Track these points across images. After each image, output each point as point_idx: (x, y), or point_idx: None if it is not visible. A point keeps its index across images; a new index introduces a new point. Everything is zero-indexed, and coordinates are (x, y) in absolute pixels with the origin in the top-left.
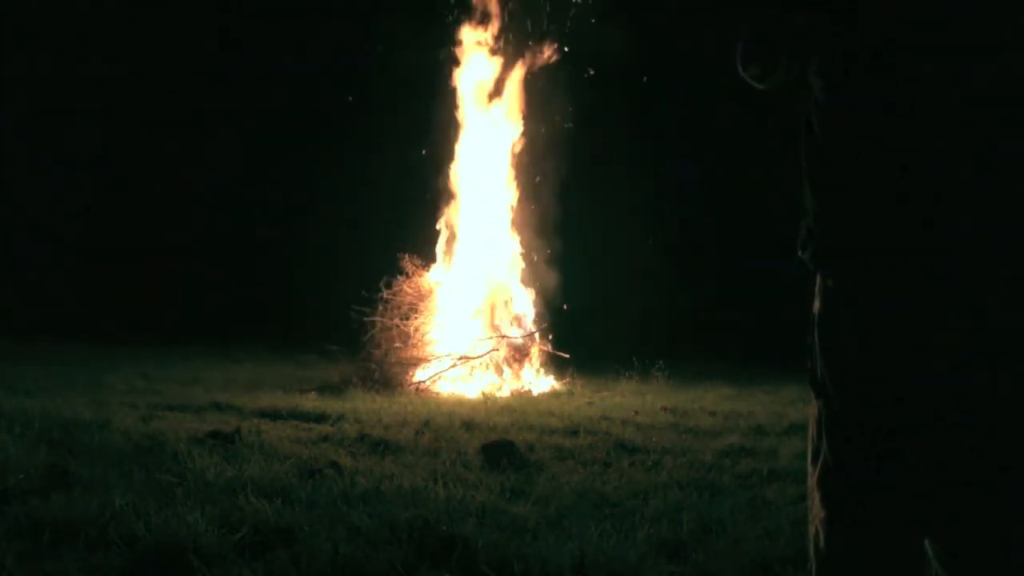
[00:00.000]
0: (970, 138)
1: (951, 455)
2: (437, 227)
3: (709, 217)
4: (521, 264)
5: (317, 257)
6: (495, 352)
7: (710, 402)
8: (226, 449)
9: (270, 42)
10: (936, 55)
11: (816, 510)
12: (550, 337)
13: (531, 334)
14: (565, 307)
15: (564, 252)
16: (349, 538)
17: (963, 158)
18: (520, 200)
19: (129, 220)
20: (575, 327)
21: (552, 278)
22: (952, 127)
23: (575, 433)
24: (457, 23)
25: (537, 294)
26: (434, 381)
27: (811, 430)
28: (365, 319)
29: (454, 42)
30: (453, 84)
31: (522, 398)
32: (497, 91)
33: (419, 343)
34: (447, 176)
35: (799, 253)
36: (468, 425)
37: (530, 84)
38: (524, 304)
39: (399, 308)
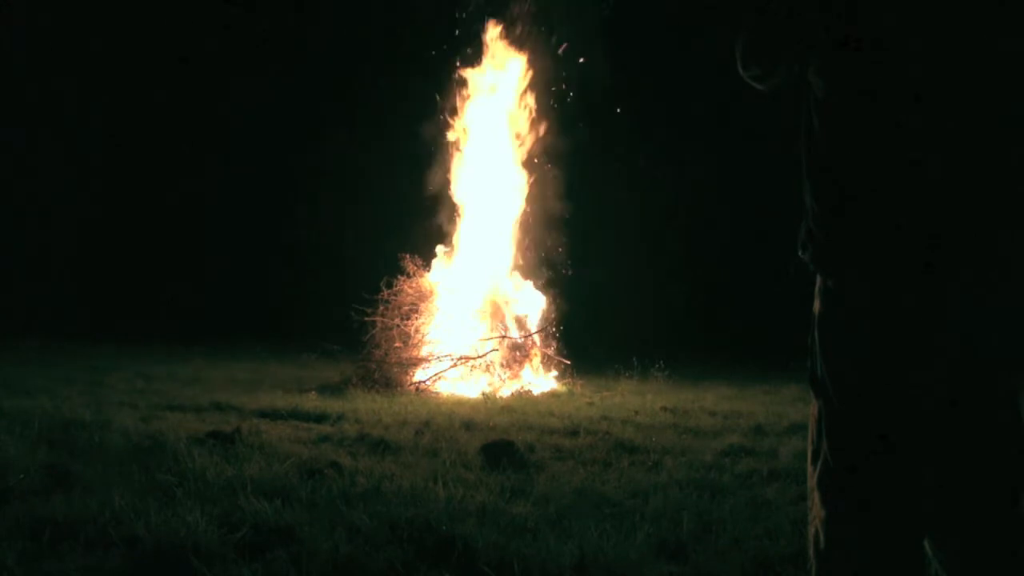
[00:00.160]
0: (970, 138)
1: (950, 455)
2: (438, 227)
3: (710, 217)
4: (522, 264)
5: (317, 257)
6: (495, 352)
7: (710, 402)
8: (226, 449)
9: (271, 42)
10: (936, 56)
11: (816, 510)
12: (554, 334)
13: (531, 335)
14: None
15: (565, 252)
16: (349, 538)
17: (963, 158)
18: (521, 200)
19: (129, 220)
20: (575, 327)
21: (552, 279)
22: (952, 127)
23: (575, 433)
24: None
25: (537, 295)
26: (434, 381)
27: (811, 430)
28: (366, 319)
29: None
30: (454, 85)
31: (522, 398)
32: (499, 91)
33: (419, 343)
34: (448, 177)
35: (799, 253)
36: (468, 425)
37: (532, 85)
38: (524, 304)
39: (400, 308)
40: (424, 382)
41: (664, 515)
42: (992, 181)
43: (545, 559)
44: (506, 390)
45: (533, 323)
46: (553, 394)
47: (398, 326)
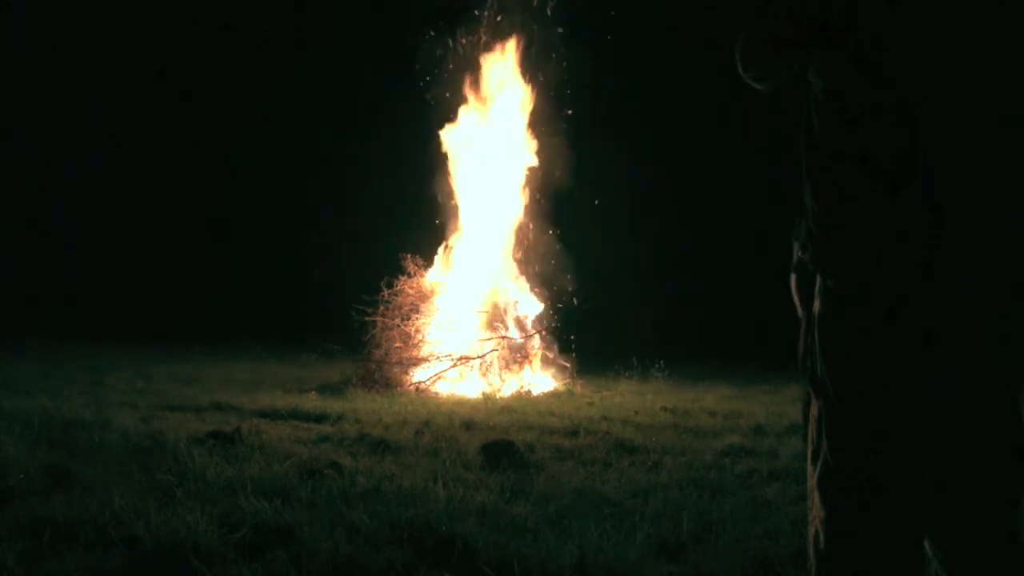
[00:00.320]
0: (970, 138)
1: (950, 455)
2: (438, 227)
3: (710, 218)
4: (522, 265)
5: (318, 257)
6: (495, 352)
7: (710, 402)
8: (226, 449)
9: (271, 42)
10: (936, 55)
11: (816, 510)
12: (554, 332)
13: (531, 335)
14: (576, 301)
15: (565, 253)
16: (349, 538)
17: (964, 158)
18: (521, 201)
19: (129, 220)
20: (575, 327)
21: (553, 279)
22: (952, 127)
23: (575, 433)
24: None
25: (537, 295)
26: (434, 381)
27: (811, 430)
28: (366, 319)
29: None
30: (455, 86)
31: (522, 398)
32: (499, 92)
33: (420, 343)
34: (448, 178)
35: (799, 254)
36: (468, 425)
37: (532, 86)
38: (525, 305)
39: (400, 308)
40: (424, 382)
41: (664, 515)
42: (992, 181)
43: (545, 559)
44: (506, 390)
45: (532, 323)
46: (553, 394)
47: (398, 326)
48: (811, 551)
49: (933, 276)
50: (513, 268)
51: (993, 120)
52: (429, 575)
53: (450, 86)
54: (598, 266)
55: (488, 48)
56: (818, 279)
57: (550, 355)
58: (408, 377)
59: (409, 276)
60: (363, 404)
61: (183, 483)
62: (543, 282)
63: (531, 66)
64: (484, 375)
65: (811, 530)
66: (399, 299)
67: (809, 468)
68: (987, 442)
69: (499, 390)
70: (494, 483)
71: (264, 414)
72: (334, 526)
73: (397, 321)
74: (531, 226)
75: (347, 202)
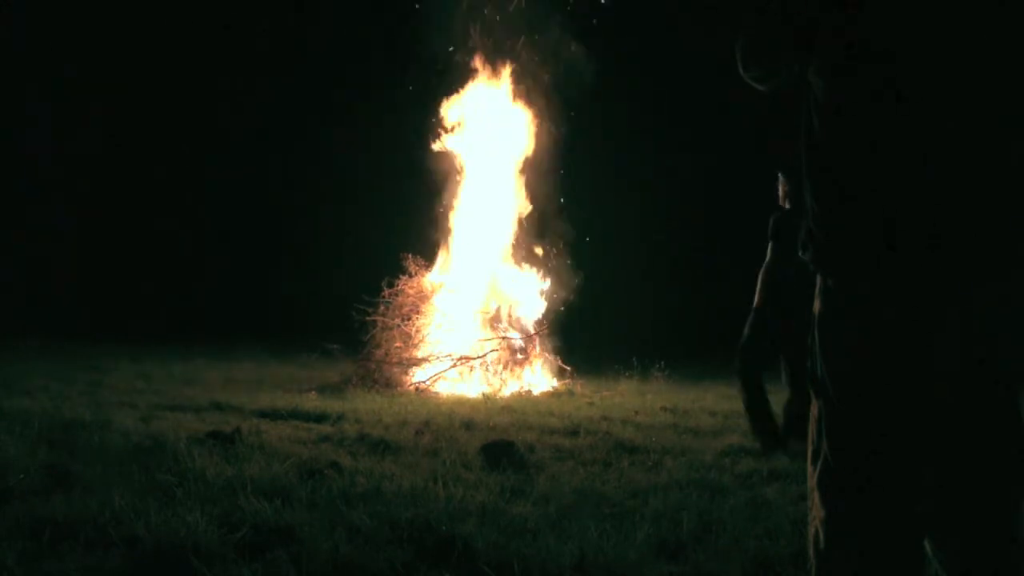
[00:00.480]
0: (970, 138)
1: (950, 455)
2: (438, 228)
3: (710, 217)
4: (522, 265)
5: (318, 257)
6: (495, 353)
7: (710, 402)
8: (226, 449)
9: (273, 42)
10: (936, 55)
11: (816, 510)
12: (552, 336)
13: (531, 335)
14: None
15: (566, 253)
16: (349, 538)
17: (963, 158)
18: (521, 201)
19: (129, 220)
20: (576, 327)
21: (553, 279)
22: (952, 127)
23: (575, 433)
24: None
25: (537, 295)
26: (434, 381)
27: (811, 430)
28: (366, 319)
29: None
30: (454, 87)
31: (522, 398)
32: (499, 92)
33: (420, 343)
34: (448, 178)
35: (800, 253)
36: (468, 425)
37: (531, 86)
38: (524, 305)
39: (400, 308)
40: (424, 382)
41: (664, 515)
42: (992, 181)
43: (545, 559)
44: (506, 390)
45: (532, 324)
46: (553, 394)
47: (398, 326)
48: (811, 551)
49: (933, 276)
50: (513, 268)
51: (994, 118)
52: (429, 575)
53: (450, 83)
54: (598, 266)
55: (488, 46)
56: (818, 279)
57: (549, 356)
58: (408, 377)
59: (410, 276)
60: (363, 404)
61: (183, 483)
62: (544, 282)
63: (533, 64)
64: (484, 375)
65: (811, 530)
66: (399, 299)
67: (809, 468)
68: (987, 442)
69: (499, 390)
70: (494, 483)
71: (264, 414)
72: (334, 526)
73: (397, 321)
74: (531, 226)
75: (347, 202)
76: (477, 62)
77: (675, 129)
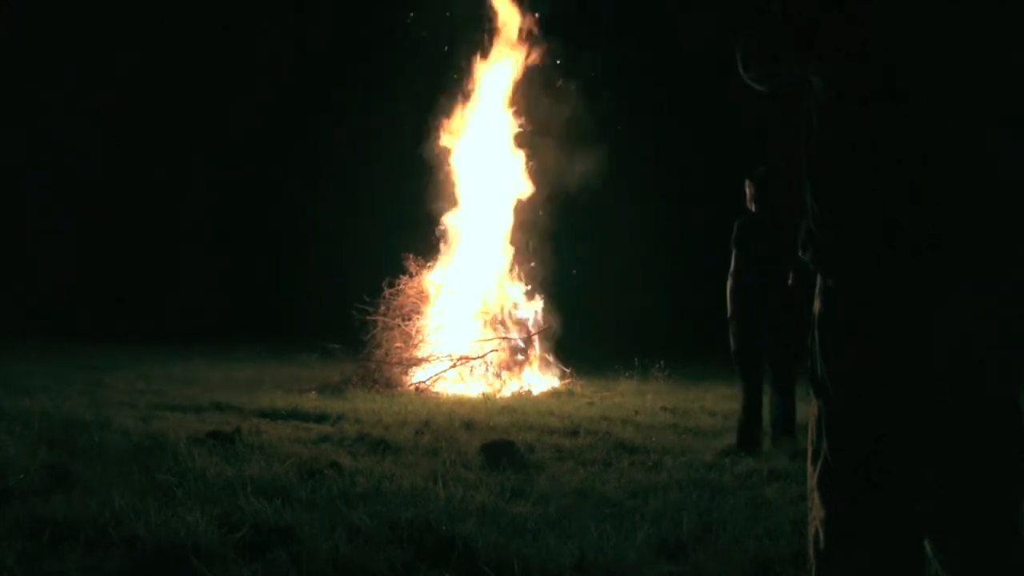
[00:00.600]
0: (971, 137)
1: (950, 455)
2: (438, 228)
3: (710, 217)
4: (522, 265)
5: (318, 257)
6: (496, 353)
7: (710, 402)
8: (226, 449)
9: (273, 42)
10: (935, 56)
11: (816, 510)
12: (552, 336)
13: (531, 335)
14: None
15: (565, 253)
16: (349, 538)
17: (964, 158)
18: (521, 201)
19: (129, 220)
20: (576, 327)
21: (552, 279)
22: (952, 127)
23: (575, 433)
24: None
25: (538, 295)
26: (434, 381)
27: (811, 430)
28: (367, 319)
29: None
30: (453, 86)
31: (522, 398)
32: (498, 94)
33: (420, 343)
34: (448, 178)
35: (800, 254)
36: (468, 425)
37: (529, 87)
38: (524, 306)
39: (401, 308)
40: (424, 382)
41: (664, 515)
42: (992, 181)
43: (545, 559)
44: (506, 390)
45: (532, 324)
46: (553, 394)
47: (399, 326)
48: (811, 551)
49: (933, 276)
50: (513, 268)
51: (993, 119)
52: (429, 575)
53: (449, 84)
54: (598, 266)
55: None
56: (818, 279)
57: (549, 357)
58: (408, 377)
59: (411, 276)
60: (363, 404)
61: (183, 483)
62: (543, 282)
63: (530, 66)
64: (485, 375)
65: (811, 530)
66: (400, 299)
67: (809, 468)
68: (987, 442)
69: (499, 390)
70: (494, 483)
71: (264, 414)
72: (334, 526)
73: (398, 321)
74: (531, 225)
75: (347, 202)
76: (476, 60)
77: (675, 128)
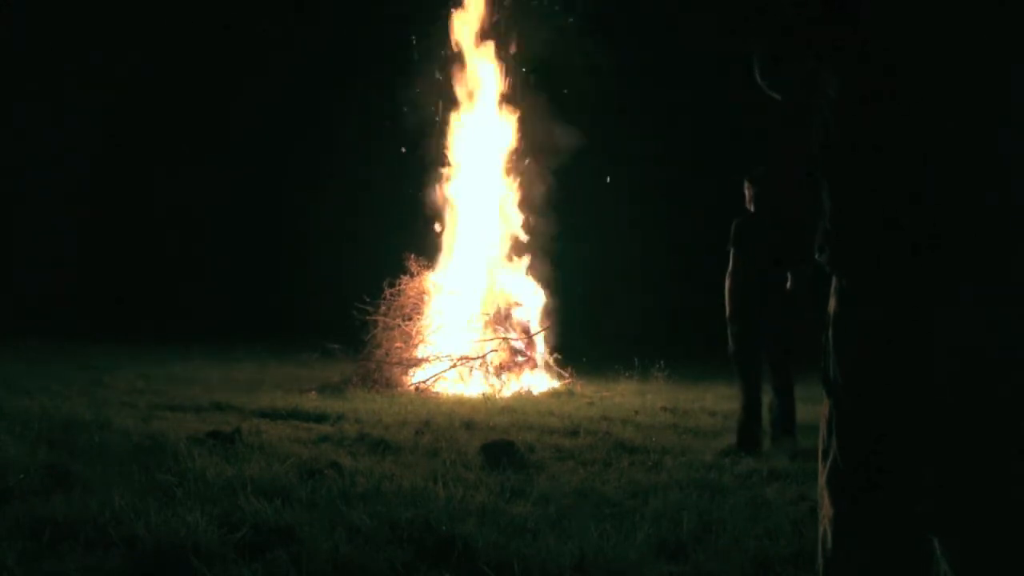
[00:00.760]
0: (984, 141)
1: (960, 455)
2: (438, 228)
3: (710, 217)
4: (522, 265)
5: (318, 257)
6: (496, 353)
7: (710, 402)
8: (226, 449)
9: (273, 42)
10: (936, 55)
11: (825, 508)
12: (552, 337)
13: (532, 336)
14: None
15: (565, 252)
16: (349, 538)
17: (977, 161)
18: (521, 201)
19: (129, 220)
20: (576, 328)
21: (553, 279)
22: (966, 129)
23: (575, 433)
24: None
25: (538, 295)
26: (434, 381)
27: (822, 429)
28: (367, 319)
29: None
30: (450, 85)
31: (522, 398)
32: (495, 91)
33: (420, 343)
34: (447, 178)
35: (816, 255)
36: (468, 425)
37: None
38: (524, 307)
39: (402, 308)
40: (424, 382)
41: (664, 515)
42: (1006, 184)
43: (545, 559)
44: (506, 390)
45: (533, 325)
46: (553, 394)
47: (399, 326)
48: (819, 549)
49: (946, 277)
50: (514, 268)
51: (993, 119)
52: (429, 575)
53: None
54: (599, 266)
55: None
56: (833, 280)
57: (549, 358)
58: (408, 377)
59: (412, 276)
60: (363, 404)
61: (183, 483)
62: (544, 282)
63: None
64: (485, 375)
65: (820, 529)
66: (400, 299)
67: (819, 467)
68: (990, 442)
69: (499, 390)
70: (494, 483)
71: (264, 414)
72: (334, 526)
73: (398, 321)
74: (533, 226)
75: (347, 202)
76: (475, 61)
77: (675, 128)
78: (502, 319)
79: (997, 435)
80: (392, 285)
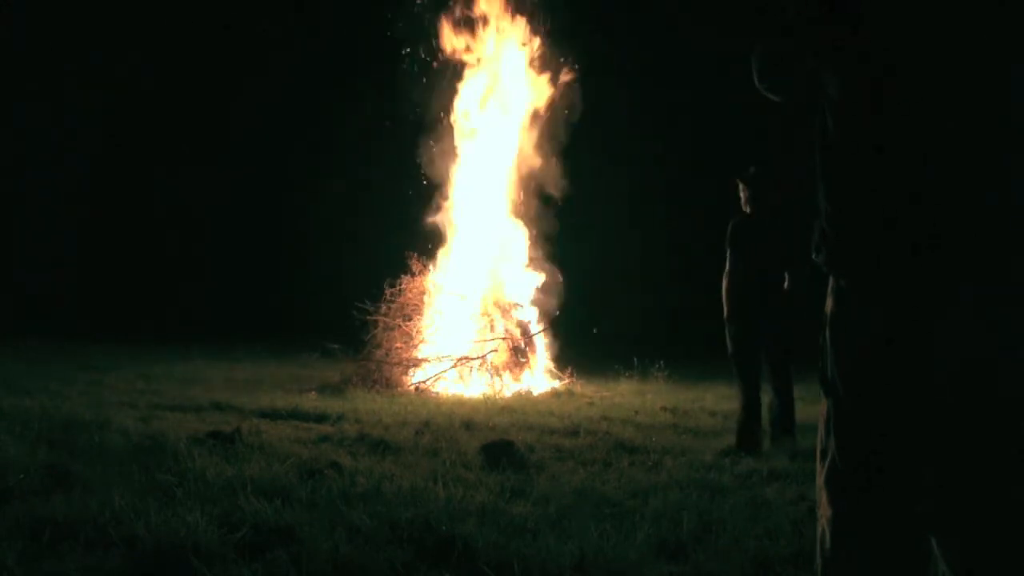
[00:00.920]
0: (984, 141)
1: (957, 455)
2: (439, 229)
3: (710, 217)
4: (523, 265)
5: (318, 257)
6: (496, 353)
7: (710, 402)
8: (226, 449)
9: (273, 41)
10: (936, 55)
11: (823, 508)
12: (552, 337)
13: (532, 335)
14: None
15: (565, 253)
16: (349, 538)
17: (977, 161)
18: (522, 201)
19: (130, 220)
20: (576, 328)
21: (553, 279)
22: (966, 129)
23: (575, 433)
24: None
25: (538, 295)
26: (434, 381)
27: (820, 429)
28: (368, 319)
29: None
30: (452, 86)
31: (522, 398)
32: (496, 92)
33: (421, 343)
34: (448, 178)
35: (813, 256)
36: (468, 425)
37: (529, 86)
38: (525, 306)
39: (402, 308)
40: (424, 382)
41: (664, 515)
42: (1004, 185)
43: (545, 559)
44: (506, 390)
45: (533, 325)
46: (553, 394)
47: (399, 326)
48: (818, 549)
49: (944, 277)
50: (514, 268)
51: (993, 119)
52: (429, 575)
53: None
54: (599, 266)
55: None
56: (831, 280)
57: (549, 357)
58: (408, 377)
59: (413, 276)
60: (363, 404)
61: (183, 483)
62: (544, 282)
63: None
64: (484, 376)
65: (818, 529)
66: (401, 299)
67: (818, 467)
68: (990, 442)
69: (500, 391)
70: (494, 483)
71: (264, 414)
72: (334, 526)
73: (398, 321)
74: (533, 226)
75: (348, 201)
76: (475, 59)
77: (675, 127)
78: (502, 319)
79: (996, 435)
80: (392, 285)
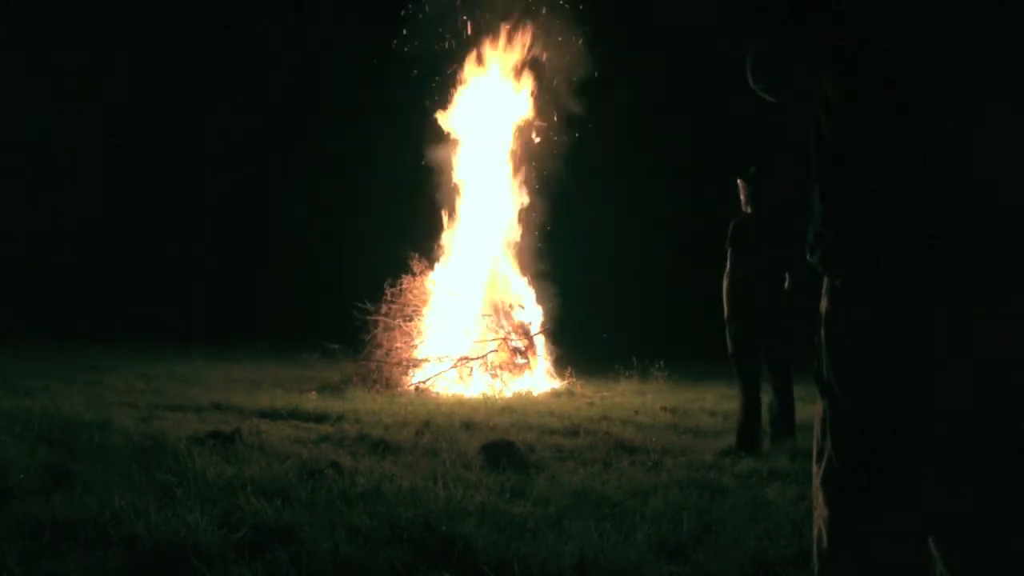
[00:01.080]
0: (984, 141)
1: (955, 455)
2: (439, 229)
3: (711, 216)
4: (523, 265)
5: (318, 257)
6: (496, 353)
7: (710, 402)
8: (226, 449)
9: (273, 42)
10: (936, 55)
11: (820, 509)
12: (552, 338)
13: (532, 336)
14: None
15: (565, 253)
16: (349, 538)
17: (977, 161)
18: (522, 201)
19: (129, 220)
20: (576, 328)
21: (553, 279)
22: (966, 129)
23: (575, 433)
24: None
25: (538, 295)
26: (434, 381)
27: (816, 429)
28: (368, 318)
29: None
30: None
31: (522, 398)
32: (498, 92)
33: (421, 343)
34: (449, 179)
35: (808, 257)
36: (468, 425)
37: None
38: (526, 305)
39: (403, 308)
40: (424, 382)
41: (664, 515)
42: (992, 181)
43: (545, 559)
44: (506, 391)
45: (533, 325)
46: (553, 394)
47: (399, 326)
48: (815, 550)
49: (939, 277)
50: (514, 269)
51: (993, 118)
52: (429, 575)
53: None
54: (599, 266)
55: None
56: (825, 279)
57: (549, 357)
58: (408, 377)
59: (414, 276)
60: (363, 404)
61: (183, 483)
62: (544, 282)
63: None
64: (484, 376)
65: (815, 529)
66: (402, 299)
67: (814, 467)
68: (989, 442)
69: (500, 391)
70: (494, 483)
71: (264, 414)
72: (334, 526)
73: (399, 321)
74: (533, 226)
75: (347, 202)
76: (476, 59)
77: (676, 127)
78: (502, 318)
79: (995, 435)
80: (393, 285)
